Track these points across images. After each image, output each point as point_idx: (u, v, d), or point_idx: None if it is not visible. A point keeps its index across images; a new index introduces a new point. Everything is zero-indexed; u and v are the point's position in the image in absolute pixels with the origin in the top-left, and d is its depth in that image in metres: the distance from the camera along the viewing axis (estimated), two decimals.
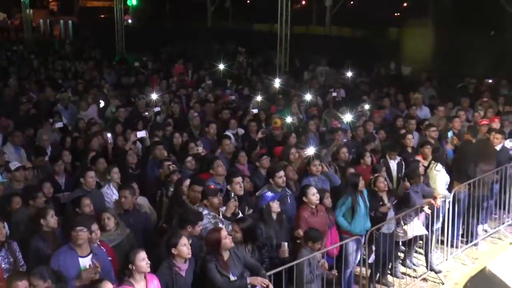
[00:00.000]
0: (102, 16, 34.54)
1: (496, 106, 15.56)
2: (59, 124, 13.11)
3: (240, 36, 28.33)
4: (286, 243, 7.78)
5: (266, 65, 23.83)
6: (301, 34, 25.27)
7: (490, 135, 11.97)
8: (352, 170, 9.90)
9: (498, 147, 11.71)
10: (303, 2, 29.92)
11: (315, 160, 9.56)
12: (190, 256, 6.57)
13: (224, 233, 6.88)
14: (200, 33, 29.62)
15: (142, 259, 6.09)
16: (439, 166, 10.59)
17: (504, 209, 11.77)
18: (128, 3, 32.33)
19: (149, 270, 6.18)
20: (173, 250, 6.48)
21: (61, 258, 6.43)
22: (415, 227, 9.62)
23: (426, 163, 10.67)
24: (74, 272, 6.31)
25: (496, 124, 12.84)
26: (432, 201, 9.81)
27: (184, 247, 6.47)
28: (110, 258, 6.89)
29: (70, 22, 39.30)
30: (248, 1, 32.10)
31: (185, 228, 7.09)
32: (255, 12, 30.43)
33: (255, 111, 14.87)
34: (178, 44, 30.24)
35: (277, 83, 18.77)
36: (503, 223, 11.78)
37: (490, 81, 19.08)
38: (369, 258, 9.25)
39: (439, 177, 10.51)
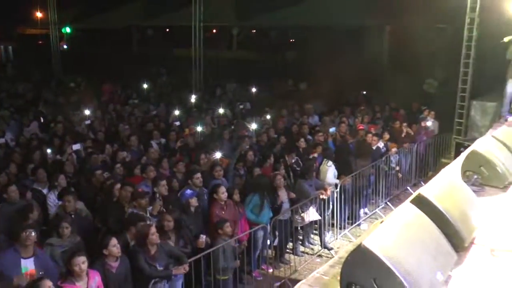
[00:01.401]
0: (40, 42, 33.25)
1: (371, 113, 16.18)
2: (1, 140, 12.52)
3: (162, 59, 28.07)
4: (204, 236, 7.80)
5: (184, 83, 23.69)
6: (213, 57, 25.28)
7: (367, 137, 12.45)
8: (258, 170, 9.99)
9: (374, 147, 12.19)
10: (214, 31, 29.89)
11: (217, 166, 9.63)
12: (120, 255, 6.39)
13: (152, 229, 6.80)
14: (127, 57, 29.03)
15: (82, 262, 5.79)
16: (330, 162, 10.90)
17: (378, 195, 12.22)
18: (63, 31, 31.42)
19: (85, 270, 5.85)
20: (105, 251, 6.29)
21: (3, 258, 6.10)
22: (310, 214, 9.87)
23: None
24: (15, 273, 5.97)
25: (373, 129, 13.42)
26: (323, 192, 10.05)
27: (114, 247, 6.30)
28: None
29: (10, 47, 37.83)
30: (168, 30, 31.76)
31: (129, 230, 6.97)
32: (175, 39, 30.15)
33: (177, 123, 14.80)
34: (108, 67, 29.57)
35: (193, 98, 18.73)
36: (378, 206, 12.23)
37: (364, 92, 19.77)
38: (274, 241, 9.41)
39: (329, 171, 10.84)
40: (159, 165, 10.13)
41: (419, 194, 4.05)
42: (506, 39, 5.74)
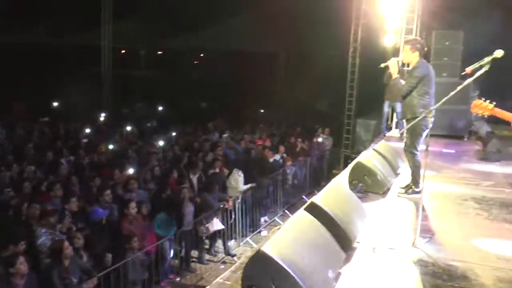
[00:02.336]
0: None
1: (269, 130, 16.58)
2: None
3: (72, 77, 26.92)
4: (110, 255, 7.57)
5: (93, 102, 22.90)
6: (122, 75, 24.64)
7: (264, 151, 12.72)
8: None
9: (271, 160, 12.46)
10: (123, 51, 29.15)
11: (130, 181, 9.43)
12: (27, 272, 5.94)
13: (66, 244, 6.50)
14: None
15: None
16: (240, 172, 11.05)
17: (277, 204, 12.47)
18: None
19: None
20: (11, 269, 5.83)
21: None
22: (214, 224, 9.85)
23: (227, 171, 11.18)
24: None
25: (268, 143, 13.71)
26: (226, 203, 10.10)
27: (22, 265, 5.87)
28: None
29: None
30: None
31: (16, 245, 6.52)
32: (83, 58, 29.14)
33: (85, 140, 14.27)
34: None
35: (102, 116, 18.18)
36: (277, 214, 12.44)
37: (262, 111, 20.23)
38: (180, 252, 9.30)
39: (240, 180, 11.00)
40: (69, 182, 9.68)
41: (312, 202, 4.22)
42: (382, 65, 6.22)
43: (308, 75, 19.40)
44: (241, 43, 22.85)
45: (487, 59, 4.00)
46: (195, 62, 30.43)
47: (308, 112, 19.36)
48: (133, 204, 8.25)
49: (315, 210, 4.07)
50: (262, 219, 12.06)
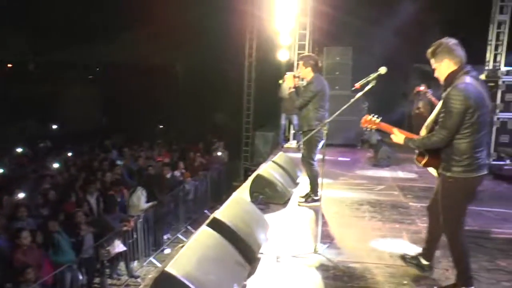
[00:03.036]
0: None
1: (167, 145, 16.38)
2: None
3: None
4: None
5: None
6: (8, 91, 22.87)
7: (163, 169, 12.58)
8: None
9: (168, 176, 12.32)
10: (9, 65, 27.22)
11: (20, 207, 8.84)
12: None
13: None
14: None
15: None
16: (144, 191, 10.86)
17: (179, 220, 12.29)
18: None
19: None
20: None
21: None
22: (116, 246, 9.48)
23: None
24: None
25: (167, 159, 13.57)
26: (127, 224, 9.78)
27: None
28: None
29: None
30: None
31: None
32: None
33: None
34: None
35: None
36: (180, 231, 12.29)
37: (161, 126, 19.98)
38: (82, 279, 8.81)
39: (142, 198, 10.81)
40: None
41: (213, 217, 4.20)
42: (281, 81, 6.46)
43: (206, 89, 19.47)
44: (137, 56, 22.42)
45: (373, 75, 4.34)
46: (89, 76, 29.26)
47: (207, 126, 19.38)
48: (25, 233, 7.70)
49: (217, 225, 4.06)
50: (165, 237, 11.85)
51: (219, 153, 15.35)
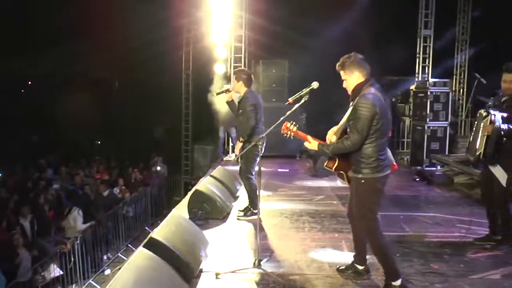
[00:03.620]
0: None
1: (105, 162, 15.97)
2: None
3: None
4: None
5: None
6: None
7: (99, 187, 12.27)
8: None
9: (104, 194, 12.03)
10: None
11: None
12: None
13: None
14: None
15: None
16: (80, 211, 10.61)
17: (119, 239, 11.91)
18: None
19: None
20: None
21: None
22: (52, 271, 9.11)
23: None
24: None
25: (106, 177, 13.22)
26: (64, 246, 9.43)
27: None
28: None
29: None
30: None
31: None
32: None
33: None
34: None
35: None
36: (120, 250, 11.90)
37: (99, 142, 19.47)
38: None
39: (78, 219, 10.61)
40: None
41: (150, 237, 4.10)
42: (215, 94, 6.53)
43: (144, 103, 19.16)
44: (72, 70, 21.74)
45: (306, 90, 4.44)
46: (22, 90, 27.99)
47: (145, 140, 19.04)
48: None
49: (153, 246, 3.98)
50: (105, 257, 11.46)
51: (158, 168, 15.11)
